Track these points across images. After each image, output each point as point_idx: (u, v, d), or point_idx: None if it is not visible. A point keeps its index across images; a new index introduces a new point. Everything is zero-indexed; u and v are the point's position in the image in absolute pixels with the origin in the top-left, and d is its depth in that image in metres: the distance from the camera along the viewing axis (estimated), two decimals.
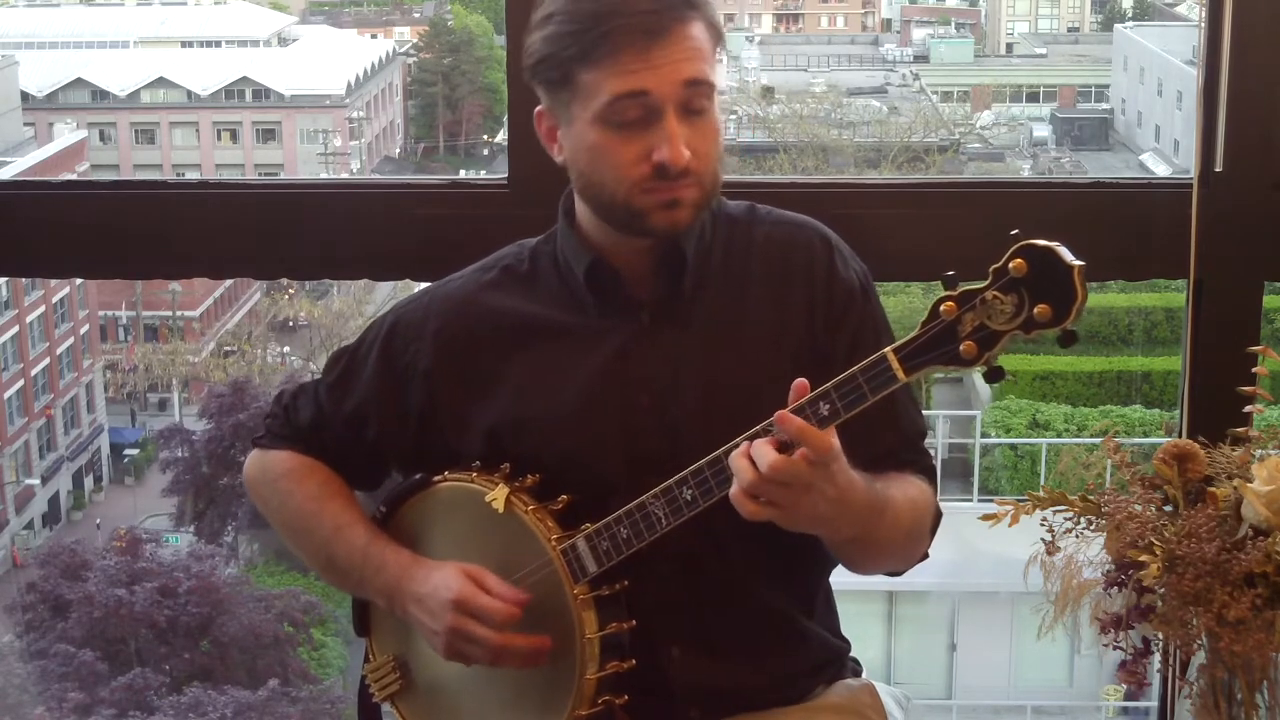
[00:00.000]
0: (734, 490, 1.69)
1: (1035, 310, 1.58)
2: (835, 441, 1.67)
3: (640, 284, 1.90)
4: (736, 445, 1.70)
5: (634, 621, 1.85)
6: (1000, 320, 1.60)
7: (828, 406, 1.67)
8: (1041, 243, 1.59)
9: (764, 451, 1.66)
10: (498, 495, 1.85)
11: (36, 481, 15.17)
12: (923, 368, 1.65)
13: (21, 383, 15.31)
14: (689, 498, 1.74)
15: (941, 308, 1.62)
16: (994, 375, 1.63)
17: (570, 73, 1.82)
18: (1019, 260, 1.58)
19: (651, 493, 1.77)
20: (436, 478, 1.95)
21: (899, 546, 1.89)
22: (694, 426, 1.83)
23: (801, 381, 1.68)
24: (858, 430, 1.70)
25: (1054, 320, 1.58)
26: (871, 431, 1.75)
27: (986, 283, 1.61)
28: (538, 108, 1.91)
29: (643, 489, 1.78)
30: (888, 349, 1.66)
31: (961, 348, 1.61)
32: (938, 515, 1.93)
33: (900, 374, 1.65)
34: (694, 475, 1.74)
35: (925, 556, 1.94)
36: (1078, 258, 1.58)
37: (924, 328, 1.63)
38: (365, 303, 15.81)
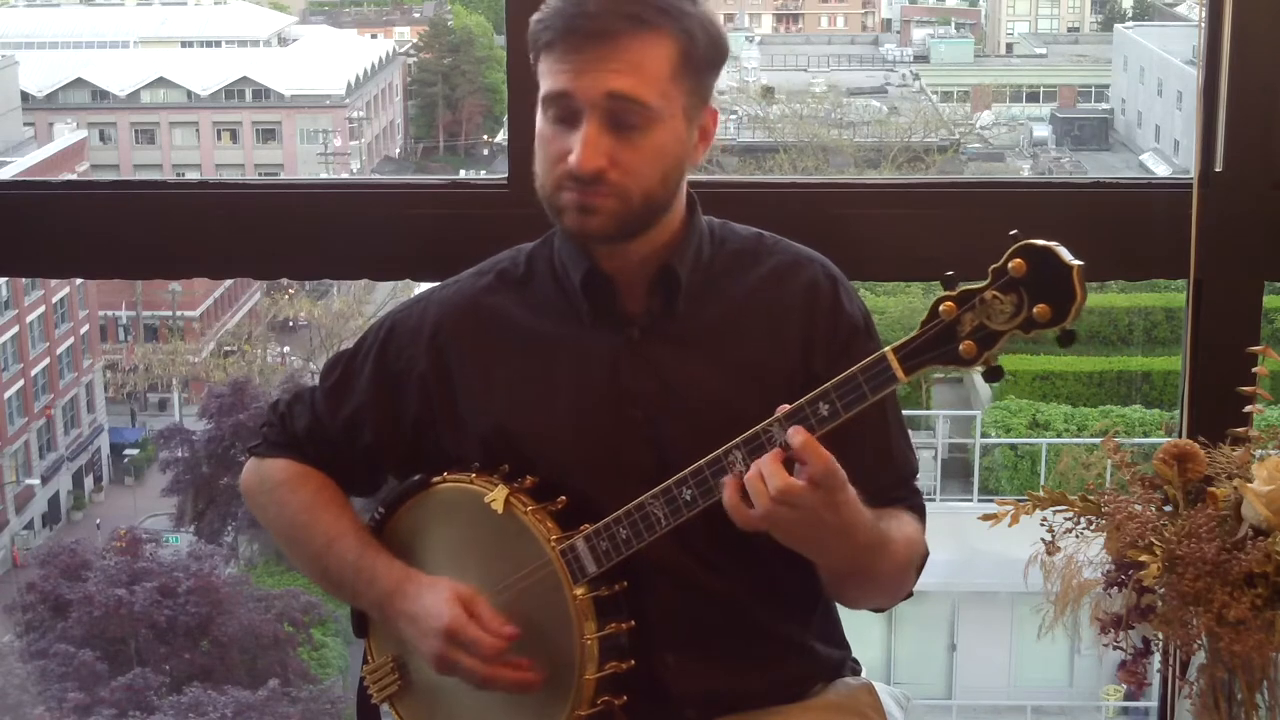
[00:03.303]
0: (729, 498, 1.70)
1: (1035, 310, 1.58)
2: (840, 470, 1.68)
3: (633, 297, 1.90)
4: (736, 445, 1.71)
5: (633, 622, 1.85)
6: (1000, 320, 1.60)
7: (827, 407, 1.67)
8: (1040, 243, 1.59)
9: (775, 470, 1.67)
10: (497, 496, 1.85)
11: (36, 481, 15.17)
12: (922, 367, 1.65)
13: (21, 383, 15.31)
14: (688, 498, 1.75)
15: (941, 308, 1.62)
16: (993, 375, 1.64)
17: (536, 58, 1.85)
18: (1018, 260, 1.59)
19: (650, 493, 1.77)
20: (435, 479, 1.94)
21: (890, 584, 1.90)
22: (682, 443, 1.82)
23: (784, 406, 1.69)
24: (853, 466, 1.71)
25: (1053, 320, 1.58)
26: (867, 468, 1.76)
27: (986, 282, 1.61)
28: None
29: (629, 502, 1.78)
30: (887, 349, 1.66)
31: (961, 347, 1.62)
32: (925, 555, 1.94)
33: (900, 373, 1.65)
34: (693, 475, 1.74)
35: (909, 595, 1.95)
36: (1077, 257, 1.58)
37: (923, 328, 1.64)
38: (365, 303, 15.81)
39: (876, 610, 2.00)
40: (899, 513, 1.89)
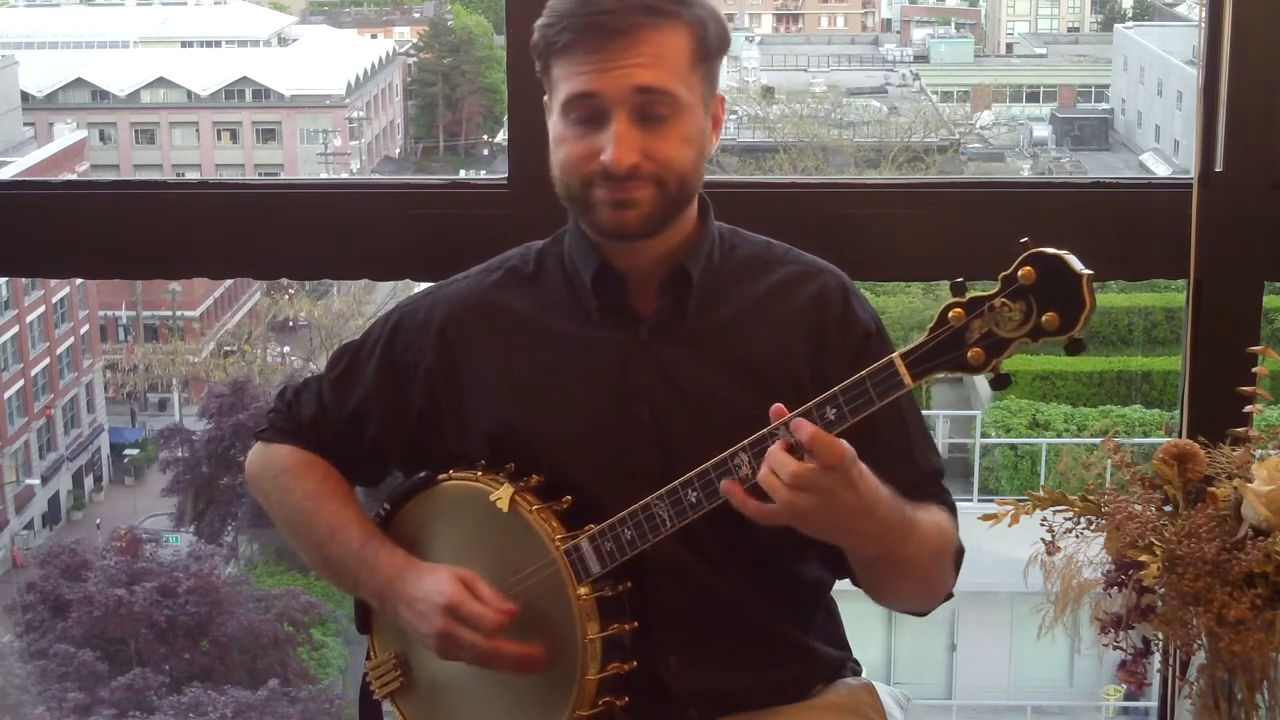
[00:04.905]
0: (738, 500, 1.69)
1: (1043, 318, 1.58)
2: (849, 447, 1.67)
3: (643, 296, 1.90)
4: (743, 448, 1.70)
5: (636, 623, 1.84)
6: (1008, 328, 1.60)
7: (834, 411, 1.67)
8: (1051, 250, 1.59)
9: (783, 460, 1.66)
10: (502, 494, 1.85)
11: (36, 481, 15.18)
12: (930, 373, 1.65)
13: (21, 383, 15.32)
14: (694, 500, 1.74)
15: (950, 314, 1.62)
16: (1000, 382, 1.64)
17: (547, 64, 1.85)
18: (1028, 268, 1.59)
19: (656, 494, 1.76)
20: (441, 476, 1.94)
21: (925, 571, 1.87)
22: (688, 443, 1.82)
23: (778, 406, 1.69)
24: (874, 469, 1.70)
25: (1062, 328, 1.58)
26: (887, 470, 1.74)
27: (995, 290, 1.61)
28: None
29: (634, 500, 1.78)
30: (895, 354, 1.65)
31: (969, 354, 1.62)
32: (960, 551, 1.92)
33: (907, 379, 1.65)
34: (699, 477, 1.74)
35: (950, 595, 1.92)
36: (1082, 261, 1.58)
37: (932, 333, 1.63)
38: (365, 303, 15.82)
39: (917, 613, 1.95)
40: (927, 504, 1.87)
